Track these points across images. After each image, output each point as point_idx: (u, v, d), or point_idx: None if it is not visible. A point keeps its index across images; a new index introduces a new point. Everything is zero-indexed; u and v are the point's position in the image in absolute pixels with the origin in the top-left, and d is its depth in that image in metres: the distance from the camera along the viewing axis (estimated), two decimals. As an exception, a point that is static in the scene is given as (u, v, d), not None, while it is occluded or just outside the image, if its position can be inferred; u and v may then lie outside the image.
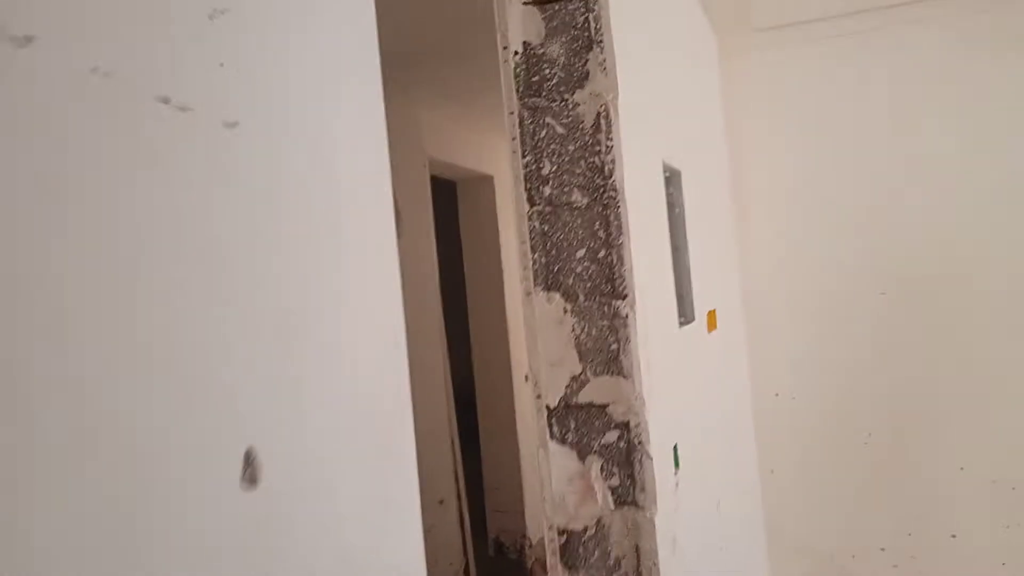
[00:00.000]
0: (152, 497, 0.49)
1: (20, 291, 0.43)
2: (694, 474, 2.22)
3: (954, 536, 3.32)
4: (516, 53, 1.88)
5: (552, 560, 1.86)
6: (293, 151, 0.68)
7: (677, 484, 2.03)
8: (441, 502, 4.07)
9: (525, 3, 1.87)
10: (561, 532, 1.85)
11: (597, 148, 1.81)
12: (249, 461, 0.56)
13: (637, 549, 1.80)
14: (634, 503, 1.80)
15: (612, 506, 1.82)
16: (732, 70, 3.56)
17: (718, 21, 3.41)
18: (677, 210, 2.45)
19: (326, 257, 0.72)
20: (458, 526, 4.30)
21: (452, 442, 4.36)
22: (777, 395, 3.58)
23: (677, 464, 2.05)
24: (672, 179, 2.44)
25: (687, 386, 2.31)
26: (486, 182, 5.04)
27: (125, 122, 0.48)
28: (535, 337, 1.86)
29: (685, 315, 2.42)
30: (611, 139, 1.80)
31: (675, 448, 2.04)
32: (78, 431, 0.46)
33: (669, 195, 2.42)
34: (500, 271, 5.01)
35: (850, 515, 3.45)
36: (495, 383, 4.99)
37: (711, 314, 2.75)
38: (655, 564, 1.78)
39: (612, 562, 1.82)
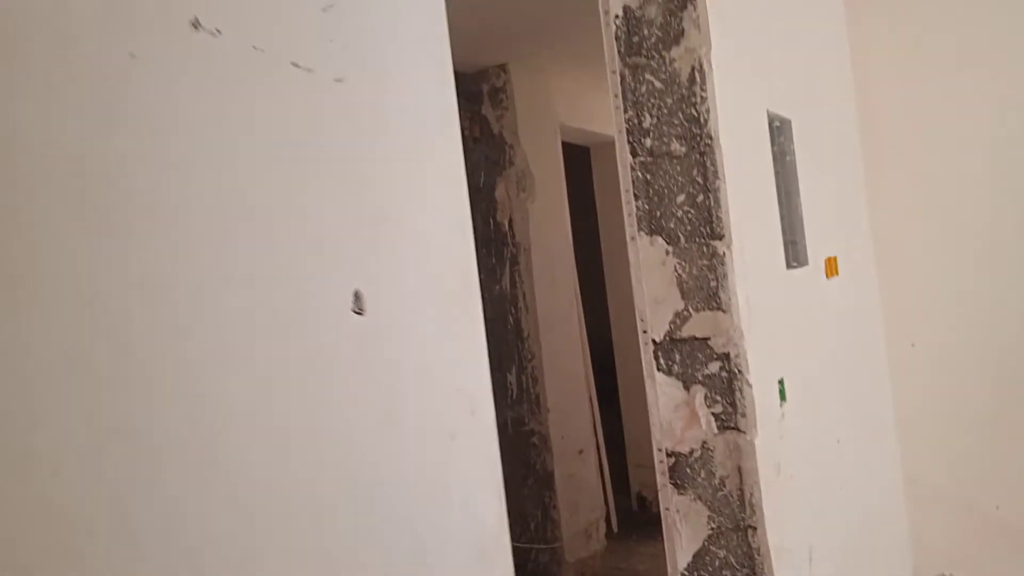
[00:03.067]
0: (308, 320, 0.79)
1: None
2: (805, 410, 2.32)
3: (1110, 487, 3.19)
4: (616, 17, 2.04)
5: (662, 480, 2.03)
6: (380, 95, 0.94)
7: (783, 415, 2.14)
8: (580, 452, 4.30)
9: (624, -30, 2.03)
10: (669, 455, 2.02)
11: (693, 100, 1.95)
12: (357, 298, 0.82)
13: (739, 469, 1.95)
14: (736, 428, 1.95)
15: (715, 430, 1.97)
16: (859, 9, 3.51)
17: (842, -32, 3.38)
18: (788, 158, 2.53)
19: (408, 168, 0.97)
20: (598, 475, 4.51)
21: (590, 398, 4.58)
22: (913, 345, 3.54)
23: (783, 397, 2.16)
24: (782, 128, 2.52)
25: (797, 326, 2.40)
26: (619, 147, 5.16)
27: (274, 76, 0.77)
28: (639, 277, 2.03)
29: (797, 259, 2.50)
30: (705, 90, 1.93)
31: (781, 382, 2.15)
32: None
33: (779, 143, 2.50)
34: (635, 233, 5.14)
35: (994, 466, 3.38)
36: (633, 344, 5.13)
37: (830, 260, 2.80)
38: (756, 483, 1.93)
39: (717, 481, 1.97)
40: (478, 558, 0.99)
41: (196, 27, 0.71)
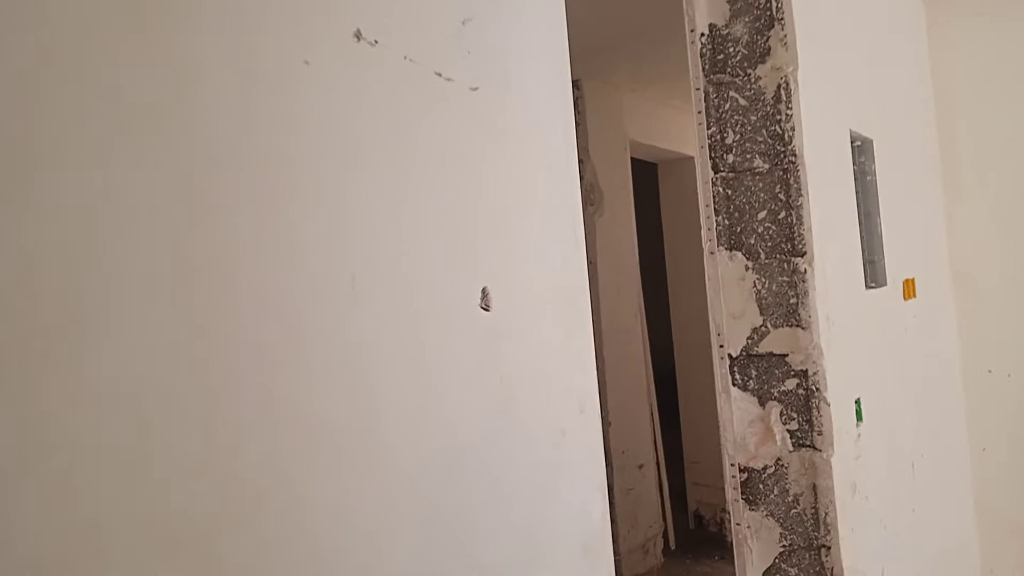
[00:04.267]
0: (439, 314, 0.84)
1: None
2: (881, 431, 2.30)
3: None
4: (702, 35, 2.06)
5: (733, 495, 2.03)
6: (508, 104, 0.99)
7: (859, 435, 2.13)
8: (641, 467, 4.29)
9: (711, -12, 2.05)
10: (742, 470, 2.02)
11: (778, 117, 1.96)
12: (484, 294, 0.87)
13: (815, 487, 1.94)
14: (811, 445, 1.94)
15: (790, 447, 1.97)
16: (942, 36, 3.47)
17: (924, -12, 3.35)
18: (869, 178, 2.51)
19: (530, 171, 1.02)
20: (657, 491, 4.50)
21: (651, 412, 4.57)
22: (990, 372, 3.46)
23: (860, 417, 2.14)
24: (864, 148, 2.51)
25: (874, 347, 2.38)
26: (687, 163, 5.16)
27: (420, 84, 0.82)
28: (717, 292, 2.04)
29: (876, 279, 2.48)
30: (791, 108, 1.94)
31: (858, 402, 2.14)
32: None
33: (860, 163, 2.49)
34: (701, 250, 5.12)
35: (1072, 499, 3.28)
36: (696, 360, 5.11)
37: (908, 282, 2.77)
38: (832, 502, 1.92)
39: (791, 499, 1.97)
40: (583, 551, 1.02)
41: (358, 38, 0.78)
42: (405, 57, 0.82)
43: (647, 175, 5.46)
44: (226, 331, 0.64)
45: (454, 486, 0.85)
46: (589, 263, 3.98)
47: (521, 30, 1.02)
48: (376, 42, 0.79)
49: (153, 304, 0.60)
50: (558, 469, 1.01)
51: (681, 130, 5.07)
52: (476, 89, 0.92)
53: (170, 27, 0.63)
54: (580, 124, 4.12)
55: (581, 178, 4.13)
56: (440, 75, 0.87)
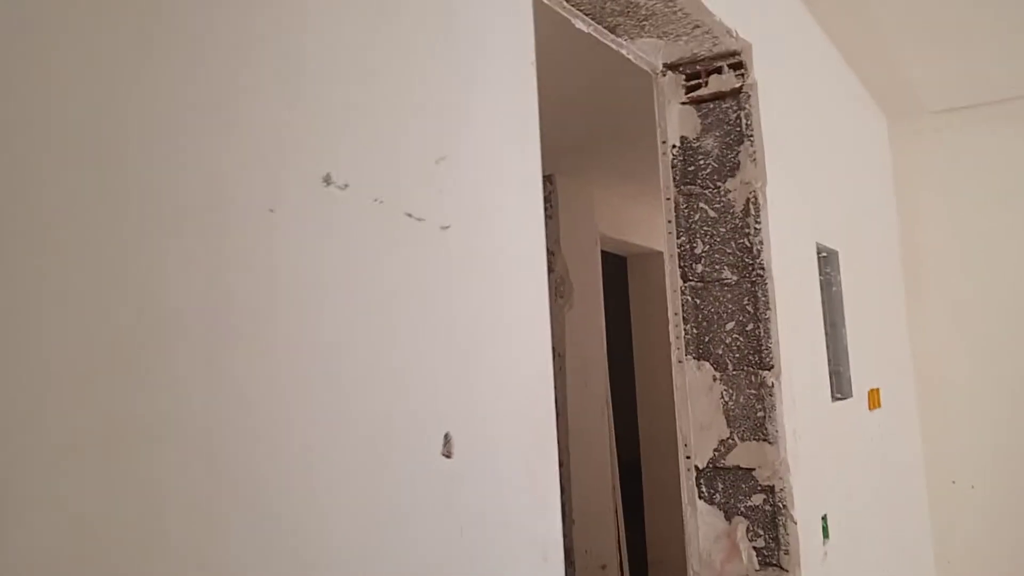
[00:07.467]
0: (399, 464, 0.79)
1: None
2: (847, 548, 2.26)
3: None
4: (674, 147, 2.10)
5: (698, 614, 1.97)
6: (479, 240, 0.97)
7: (826, 554, 2.09)
8: (603, 567, 4.18)
9: (683, 103, 2.10)
10: (707, 588, 1.97)
11: (747, 230, 1.98)
12: (447, 440, 0.83)
13: (780, 610, 1.88)
14: (778, 565, 1.90)
15: (757, 566, 1.92)
16: (904, 150, 3.59)
17: (888, 105, 3.47)
18: (834, 288, 2.54)
19: (499, 308, 1.00)
20: (619, 593, 4.37)
21: (616, 510, 4.48)
22: (954, 483, 3.45)
23: (826, 534, 2.11)
24: (829, 259, 2.55)
25: (840, 460, 2.36)
26: (656, 258, 5.22)
27: (390, 226, 0.80)
28: (685, 402, 2.02)
29: (842, 391, 2.48)
30: (760, 222, 1.97)
31: (824, 518, 2.11)
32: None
33: (826, 274, 2.52)
34: (668, 344, 5.12)
35: (1038, 616, 3.24)
36: (662, 456, 5.06)
37: (873, 392, 2.77)
38: (798, 626, 1.86)
39: (756, 621, 1.91)
40: None
41: (328, 183, 0.76)
42: (375, 199, 0.81)
43: (617, 268, 5.51)
44: (167, 495, 0.60)
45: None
46: (557, 356, 3.97)
47: (495, 165, 1.02)
48: (346, 186, 0.78)
49: (77, 473, 0.56)
50: (518, 623, 0.96)
51: (651, 225, 5.14)
52: (447, 228, 0.90)
53: (127, 177, 0.61)
54: (552, 217, 4.16)
55: (552, 271, 4.15)
56: (411, 215, 0.85)
